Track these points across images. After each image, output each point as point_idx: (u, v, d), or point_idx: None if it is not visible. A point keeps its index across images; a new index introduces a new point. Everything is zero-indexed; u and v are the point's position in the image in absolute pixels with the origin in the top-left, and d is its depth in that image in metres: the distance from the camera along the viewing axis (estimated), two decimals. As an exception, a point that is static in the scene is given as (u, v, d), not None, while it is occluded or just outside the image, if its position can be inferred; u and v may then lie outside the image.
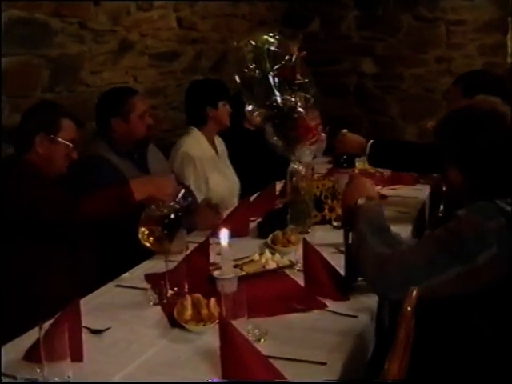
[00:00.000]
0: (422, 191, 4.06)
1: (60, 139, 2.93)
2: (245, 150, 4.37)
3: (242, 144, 4.38)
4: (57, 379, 1.78)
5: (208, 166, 4.04)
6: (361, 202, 2.36)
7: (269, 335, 2.10)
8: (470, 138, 2.05)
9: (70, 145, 2.96)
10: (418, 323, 1.89)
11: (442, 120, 2.24)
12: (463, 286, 1.91)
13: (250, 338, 2.03)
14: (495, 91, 2.85)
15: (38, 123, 2.93)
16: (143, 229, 2.43)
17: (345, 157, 3.67)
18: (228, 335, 1.86)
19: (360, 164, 4.27)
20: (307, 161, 4.72)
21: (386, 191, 3.99)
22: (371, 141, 3.54)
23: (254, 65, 3.02)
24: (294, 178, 3.22)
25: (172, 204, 2.53)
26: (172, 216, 2.46)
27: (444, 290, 1.93)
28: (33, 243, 2.76)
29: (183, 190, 2.61)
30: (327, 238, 3.03)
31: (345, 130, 3.71)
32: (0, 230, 2.75)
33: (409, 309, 1.72)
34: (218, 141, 4.30)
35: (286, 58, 3.05)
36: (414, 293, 1.76)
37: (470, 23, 5.99)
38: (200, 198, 3.77)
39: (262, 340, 2.07)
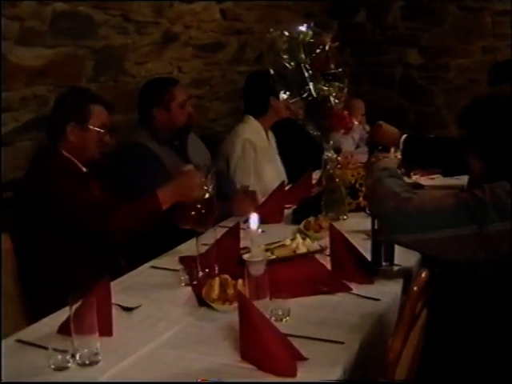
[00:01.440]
0: (461, 180, 4.01)
1: (91, 126, 2.93)
2: (288, 140, 4.41)
3: (286, 134, 4.39)
4: (86, 351, 1.89)
5: (263, 157, 4.10)
6: (374, 159, 2.44)
7: (291, 315, 2.16)
8: (490, 126, 2.06)
9: (102, 130, 2.97)
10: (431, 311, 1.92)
11: (464, 108, 2.22)
12: (468, 250, 1.92)
13: (272, 318, 2.12)
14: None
15: (67, 112, 2.93)
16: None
17: (380, 147, 3.62)
18: (245, 313, 1.93)
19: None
20: (350, 150, 4.79)
21: (423, 180, 3.98)
22: (404, 135, 3.37)
23: (288, 55, 3.09)
24: (328, 166, 3.28)
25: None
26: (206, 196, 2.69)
27: (451, 247, 1.94)
28: (62, 233, 2.83)
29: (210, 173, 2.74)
30: (360, 225, 3.08)
31: (381, 122, 3.58)
32: (32, 219, 2.85)
33: (415, 289, 1.77)
34: (270, 133, 4.33)
35: (320, 48, 3.11)
36: (424, 274, 1.81)
37: (516, 13, 5.89)
38: (256, 188, 3.80)
39: (284, 320, 2.14)
